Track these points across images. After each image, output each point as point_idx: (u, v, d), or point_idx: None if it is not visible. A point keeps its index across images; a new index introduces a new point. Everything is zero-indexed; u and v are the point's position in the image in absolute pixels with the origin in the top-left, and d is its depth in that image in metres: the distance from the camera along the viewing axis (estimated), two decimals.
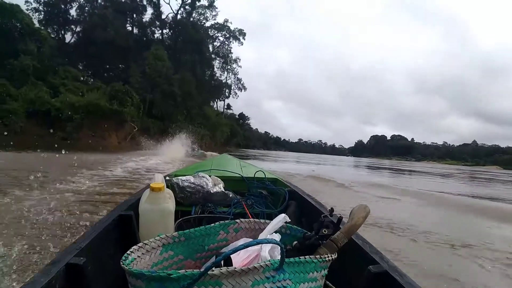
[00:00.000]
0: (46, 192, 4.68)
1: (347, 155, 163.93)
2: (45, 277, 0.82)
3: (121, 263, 0.75)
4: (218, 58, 51.45)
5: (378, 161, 74.62)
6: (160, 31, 45.10)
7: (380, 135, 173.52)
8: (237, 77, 54.62)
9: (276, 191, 2.18)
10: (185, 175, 2.09)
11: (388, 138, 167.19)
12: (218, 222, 1.07)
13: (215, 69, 51.70)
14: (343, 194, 7.71)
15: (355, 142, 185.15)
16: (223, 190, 2.05)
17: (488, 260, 3.44)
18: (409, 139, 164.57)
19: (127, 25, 41.80)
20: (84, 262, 0.93)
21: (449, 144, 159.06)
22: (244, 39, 50.19)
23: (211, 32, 48.88)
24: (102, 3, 39.05)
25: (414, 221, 5.14)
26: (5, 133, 19.57)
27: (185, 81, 35.34)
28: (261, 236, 1.01)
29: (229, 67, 52.52)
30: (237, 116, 72.87)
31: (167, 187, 1.59)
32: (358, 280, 1.02)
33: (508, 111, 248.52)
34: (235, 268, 0.68)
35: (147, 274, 0.67)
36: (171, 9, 46.84)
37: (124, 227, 1.38)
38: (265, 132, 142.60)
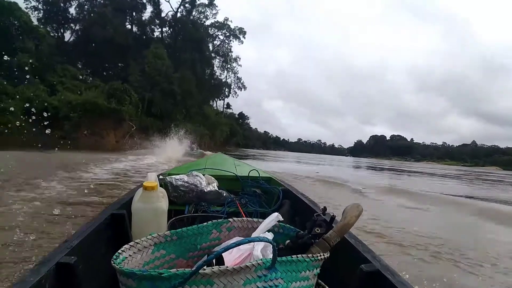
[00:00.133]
0: None
1: (347, 155, 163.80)
2: (35, 276, 0.81)
3: (112, 262, 0.74)
4: (218, 57, 51.19)
5: (378, 162, 74.46)
6: (159, 30, 44.82)
7: (379, 135, 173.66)
8: (237, 76, 54.37)
9: (270, 190, 2.18)
10: (178, 174, 2.08)
11: (388, 138, 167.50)
12: (210, 221, 1.06)
13: (215, 68, 51.53)
14: (362, 204, 6.94)
15: (355, 142, 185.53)
16: (217, 189, 2.04)
17: None
18: (409, 139, 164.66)
19: (127, 23, 41.46)
20: (75, 261, 0.93)
21: (448, 145, 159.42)
22: (244, 38, 49.99)
23: (211, 31, 48.59)
24: (102, 1, 38.71)
25: (473, 243, 4.17)
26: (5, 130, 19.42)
27: (185, 80, 35.08)
28: (254, 235, 1.00)
29: (229, 66, 52.27)
30: (236, 116, 72.65)
31: (161, 186, 1.59)
32: (351, 279, 1.03)
33: (508, 112, 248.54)
34: (227, 267, 0.68)
35: (138, 273, 0.67)
36: (171, 7, 46.48)
37: (116, 226, 1.37)
38: (265, 131, 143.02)
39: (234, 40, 49.90)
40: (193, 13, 45.57)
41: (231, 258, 0.88)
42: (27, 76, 23.26)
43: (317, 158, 51.04)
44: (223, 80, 53.26)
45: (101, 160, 11.16)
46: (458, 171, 43.47)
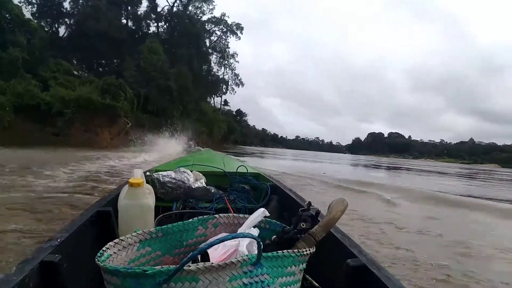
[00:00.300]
0: None
1: (345, 152, 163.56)
2: (18, 275, 0.80)
3: (96, 259, 0.73)
4: (215, 53, 50.50)
5: (377, 159, 74.12)
6: (155, 24, 43.93)
7: (377, 132, 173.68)
8: (235, 73, 53.75)
9: (258, 186, 2.19)
10: (166, 170, 2.06)
11: (386, 135, 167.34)
12: (196, 217, 1.05)
13: (212, 64, 50.84)
14: (408, 223, 5.05)
15: (352, 140, 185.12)
16: (205, 185, 2.03)
17: None
18: (406, 137, 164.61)
19: (122, 18, 40.63)
20: (59, 260, 0.92)
21: (446, 142, 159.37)
22: (242, 34, 49.26)
23: (208, 26, 47.84)
24: None
25: None
26: None
27: (181, 76, 34.35)
28: (240, 231, 1.00)
29: (226, 62, 51.62)
30: (234, 113, 72.08)
31: (148, 182, 1.62)
32: (337, 273, 1.03)
33: (505, 109, 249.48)
34: (212, 263, 0.68)
35: (122, 270, 0.66)
36: (167, 1, 45.42)
37: (102, 224, 1.36)
38: (263, 129, 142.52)
39: (231, 36, 49.25)
40: (190, 8, 44.81)
41: (216, 254, 0.88)
42: (19, 71, 22.61)
43: (316, 156, 50.51)
44: (221, 77, 52.78)
45: (79, 158, 10.33)
46: (466, 169, 42.70)
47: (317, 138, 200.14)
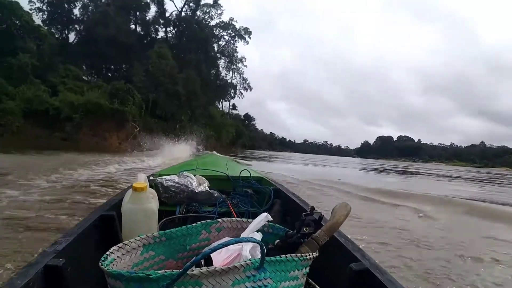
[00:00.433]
0: None
1: (354, 156, 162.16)
2: (22, 279, 0.79)
3: (100, 264, 0.73)
4: (223, 58, 50.56)
5: (387, 163, 72.99)
6: (164, 29, 44.17)
7: (386, 136, 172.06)
8: (243, 77, 53.77)
9: (261, 190, 2.18)
10: (169, 175, 2.06)
11: (395, 139, 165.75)
12: (200, 222, 1.05)
13: (220, 69, 51.00)
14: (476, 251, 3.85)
15: (361, 143, 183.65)
16: (208, 189, 2.02)
17: None
18: (416, 140, 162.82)
19: (131, 24, 40.88)
20: (63, 264, 0.91)
21: (457, 145, 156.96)
22: (250, 38, 49.31)
23: (216, 31, 47.97)
24: (105, 0, 38.19)
25: None
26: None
27: (189, 80, 34.32)
28: (243, 235, 1.00)
29: (234, 66, 51.65)
30: (242, 117, 72.02)
31: (151, 186, 1.69)
32: (340, 277, 1.03)
33: None
34: (215, 267, 0.68)
35: (126, 274, 0.66)
36: (175, 6, 45.64)
37: (106, 228, 1.35)
38: (271, 132, 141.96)
39: (239, 40, 49.36)
40: (198, 13, 45.00)
41: (219, 258, 0.87)
42: (28, 77, 22.73)
43: (326, 160, 49.82)
44: (229, 81, 52.77)
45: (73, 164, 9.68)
46: (481, 173, 41.42)
47: (326, 141, 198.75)
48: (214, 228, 1.06)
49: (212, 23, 46.82)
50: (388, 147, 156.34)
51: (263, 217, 1.01)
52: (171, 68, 32.73)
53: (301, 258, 0.81)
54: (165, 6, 43.02)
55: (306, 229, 0.93)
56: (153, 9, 42.34)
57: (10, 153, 12.45)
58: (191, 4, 43.96)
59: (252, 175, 2.34)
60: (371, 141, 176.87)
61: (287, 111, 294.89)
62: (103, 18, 33.93)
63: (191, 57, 40.07)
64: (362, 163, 53.76)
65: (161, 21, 43.23)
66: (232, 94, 54.70)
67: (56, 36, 35.48)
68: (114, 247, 0.83)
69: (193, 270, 0.65)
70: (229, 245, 0.74)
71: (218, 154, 12.27)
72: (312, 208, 1.02)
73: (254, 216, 1.12)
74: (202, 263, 0.79)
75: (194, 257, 0.83)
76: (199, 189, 1.97)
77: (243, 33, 48.75)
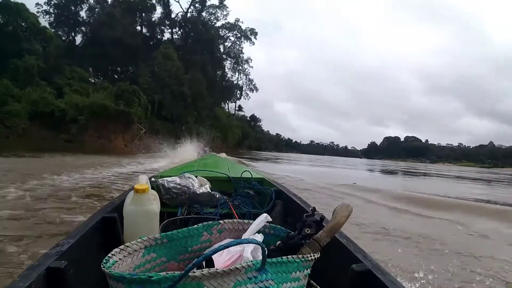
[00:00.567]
0: None
1: (361, 157, 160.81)
2: (24, 281, 0.79)
3: (101, 266, 0.73)
4: (229, 59, 50.48)
5: (394, 163, 72.07)
6: (169, 31, 44.12)
7: (393, 136, 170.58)
8: (249, 78, 53.63)
9: (262, 191, 2.18)
10: (170, 176, 2.06)
11: (402, 139, 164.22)
12: (201, 223, 1.05)
13: (226, 70, 50.90)
14: None
15: (368, 144, 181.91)
16: (210, 190, 2.02)
17: None
18: (423, 140, 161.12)
19: (137, 25, 40.86)
20: (65, 266, 0.91)
21: (465, 146, 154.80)
22: (256, 39, 49.22)
23: (222, 32, 47.89)
24: (111, 2, 38.28)
25: None
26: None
27: (195, 81, 34.17)
28: (244, 236, 1.00)
29: (240, 67, 51.51)
30: (248, 118, 71.79)
31: (152, 188, 1.69)
32: (342, 278, 1.03)
33: None
34: (217, 269, 0.68)
35: (127, 277, 0.66)
36: (181, 7, 45.63)
37: (108, 230, 1.35)
38: (277, 134, 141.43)
39: (245, 41, 49.26)
40: (204, 14, 44.97)
41: (221, 260, 0.88)
42: (34, 79, 22.70)
43: (333, 161, 49.31)
44: (235, 82, 52.64)
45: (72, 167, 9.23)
46: (493, 173, 40.15)
47: (332, 142, 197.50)
48: (215, 230, 1.06)
49: (218, 24, 46.87)
50: (395, 148, 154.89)
51: (263, 218, 1.01)
52: (177, 69, 32.61)
53: (303, 259, 0.81)
54: (171, 7, 43.10)
55: (307, 230, 0.93)
56: (159, 10, 42.42)
57: (22, 156, 12.33)
58: (196, 5, 43.94)
59: (253, 176, 2.33)
60: (378, 142, 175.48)
61: (294, 112, 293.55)
62: (109, 20, 33.92)
63: (196, 58, 39.92)
64: (370, 164, 53.16)
65: (167, 22, 43.21)
66: (238, 95, 54.68)
67: (63, 38, 35.72)
68: (116, 249, 0.83)
69: (194, 272, 0.65)
70: (231, 246, 0.74)
71: (226, 156, 11.97)
72: (314, 209, 1.02)
73: (255, 217, 1.10)
74: (204, 264, 0.78)
75: (196, 259, 0.81)
76: (201, 191, 1.98)
77: (249, 34, 48.71)
